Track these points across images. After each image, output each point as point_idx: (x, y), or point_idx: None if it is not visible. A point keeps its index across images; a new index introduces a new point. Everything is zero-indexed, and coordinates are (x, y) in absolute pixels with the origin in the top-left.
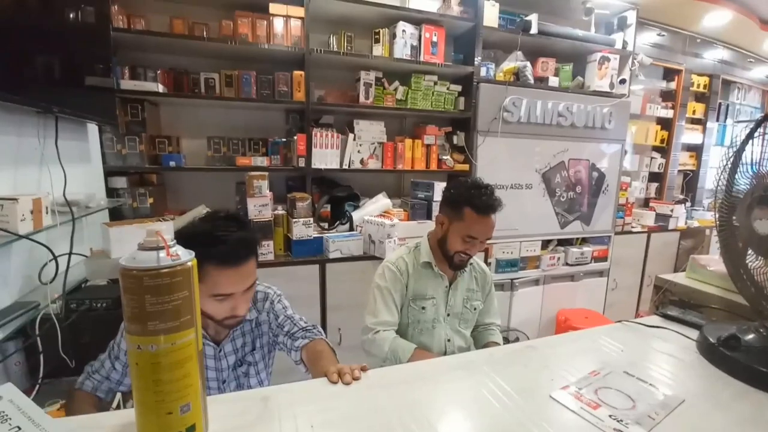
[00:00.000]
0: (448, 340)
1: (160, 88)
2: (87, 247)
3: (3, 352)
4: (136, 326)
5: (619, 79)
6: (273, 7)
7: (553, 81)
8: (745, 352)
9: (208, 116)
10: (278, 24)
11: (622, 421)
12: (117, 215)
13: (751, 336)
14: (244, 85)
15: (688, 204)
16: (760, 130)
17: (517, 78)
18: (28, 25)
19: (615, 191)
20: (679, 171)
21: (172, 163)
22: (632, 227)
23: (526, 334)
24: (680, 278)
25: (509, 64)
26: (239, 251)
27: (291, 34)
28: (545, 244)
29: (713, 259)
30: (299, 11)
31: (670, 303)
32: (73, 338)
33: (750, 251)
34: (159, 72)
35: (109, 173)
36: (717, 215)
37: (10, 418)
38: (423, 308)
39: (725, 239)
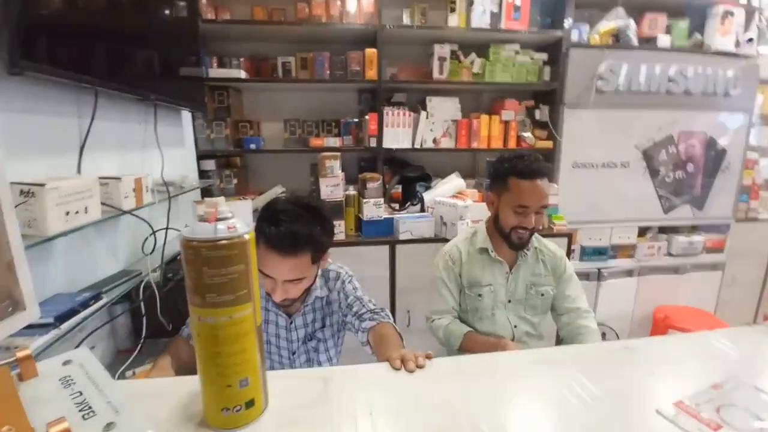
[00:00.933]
0: (515, 327)
1: (243, 75)
2: (182, 223)
3: (111, 313)
4: (196, 297)
5: (746, 38)
6: None
7: (664, 41)
8: None
9: (284, 99)
10: (351, 2)
11: None
12: (207, 195)
13: None
14: (317, 67)
15: None
16: None
17: (617, 40)
18: (128, 22)
19: (738, 170)
20: None
21: (252, 146)
22: (758, 213)
23: (615, 330)
24: None
25: (607, 23)
26: (283, 242)
27: (363, 12)
28: (643, 231)
29: None
30: None
31: None
32: (170, 304)
33: None
34: (242, 60)
35: (200, 156)
36: None
37: (74, 383)
38: (480, 296)
39: None
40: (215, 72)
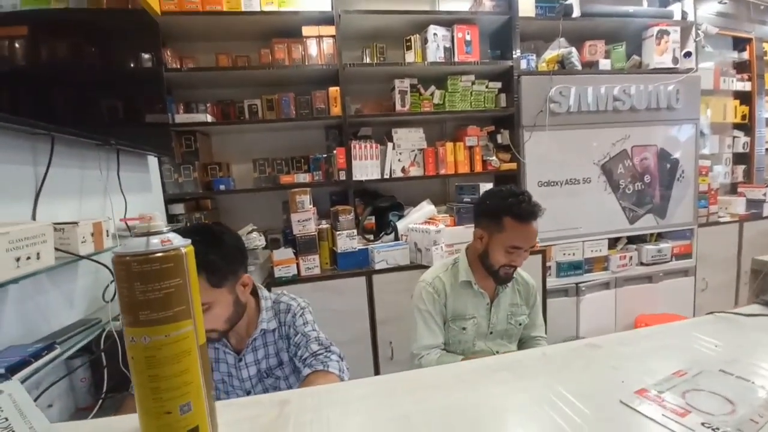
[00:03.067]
0: (497, 352)
1: (209, 119)
2: None
3: (69, 367)
4: (129, 317)
5: (683, 53)
6: (306, 30)
7: (605, 64)
8: None
9: (253, 140)
10: (312, 45)
11: (718, 429)
12: None
13: None
14: (284, 107)
15: None
16: None
17: (563, 66)
18: (88, 70)
19: (693, 178)
20: None
21: (222, 187)
22: (719, 217)
23: None
24: None
25: (552, 52)
26: None
27: (324, 53)
28: (613, 242)
29: None
30: (330, 30)
31: None
32: None
33: None
34: (208, 105)
35: (168, 201)
36: None
37: (2, 410)
38: (464, 329)
39: None
40: (181, 117)
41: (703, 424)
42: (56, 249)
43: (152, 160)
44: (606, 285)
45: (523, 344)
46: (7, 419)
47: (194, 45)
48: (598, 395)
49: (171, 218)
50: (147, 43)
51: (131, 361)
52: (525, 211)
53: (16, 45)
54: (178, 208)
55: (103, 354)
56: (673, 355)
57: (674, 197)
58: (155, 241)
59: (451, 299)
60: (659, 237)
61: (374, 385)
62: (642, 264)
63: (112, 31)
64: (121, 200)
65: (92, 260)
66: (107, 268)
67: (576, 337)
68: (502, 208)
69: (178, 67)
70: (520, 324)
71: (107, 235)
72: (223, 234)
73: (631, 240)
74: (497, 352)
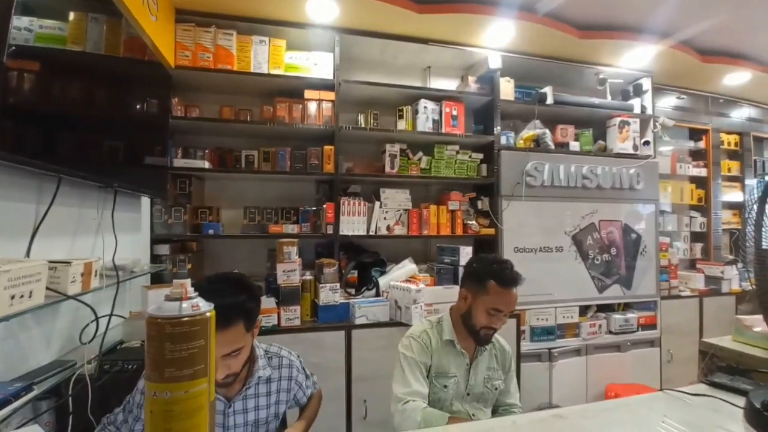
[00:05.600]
0: (473, 415)
1: (206, 165)
2: (127, 310)
3: (36, 410)
4: (155, 373)
5: (642, 141)
6: (308, 93)
7: (574, 145)
8: None
9: (246, 188)
10: (312, 107)
11: None
12: (157, 280)
13: None
14: (279, 160)
15: (740, 265)
16: None
17: (537, 144)
18: (99, 115)
19: (655, 252)
20: (724, 230)
21: (211, 231)
22: (680, 291)
23: None
24: (727, 342)
25: (528, 131)
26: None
27: (323, 115)
28: (583, 310)
29: (758, 320)
30: (330, 95)
31: (718, 369)
32: (103, 399)
33: None
34: (207, 151)
35: (154, 241)
36: (751, 273)
37: None
38: (445, 386)
39: (763, 297)
40: (179, 162)
41: None
42: (47, 288)
43: (144, 201)
44: (577, 351)
45: (497, 411)
46: None
47: (201, 95)
48: None
49: (155, 258)
50: (158, 92)
51: (149, 415)
52: (508, 277)
53: (26, 81)
54: (163, 249)
55: (70, 399)
56: (628, 428)
57: (638, 270)
58: (186, 305)
59: (437, 355)
60: (626, 307)
61: None
62: (611, 332)
63: (125, 78)
64: (111, 239)
65: (79, 301)
66: (91, 309)
67: (549, 403)
68: (487, 272)
69: (183, 115)
70: (495, 389)
71: (95, 275)
72: (249, 280)
73: (600, 308)
74: (473, 415)
